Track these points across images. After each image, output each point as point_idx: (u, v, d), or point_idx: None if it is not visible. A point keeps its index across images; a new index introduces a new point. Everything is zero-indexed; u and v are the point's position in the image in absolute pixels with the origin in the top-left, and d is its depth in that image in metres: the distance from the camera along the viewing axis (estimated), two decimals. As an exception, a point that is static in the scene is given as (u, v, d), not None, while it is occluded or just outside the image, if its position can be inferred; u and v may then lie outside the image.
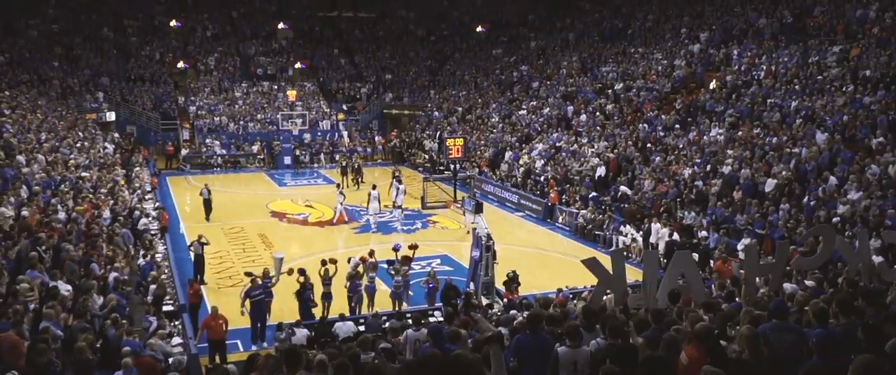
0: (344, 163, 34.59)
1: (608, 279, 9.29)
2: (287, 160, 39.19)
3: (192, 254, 19.81)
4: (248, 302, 15.56)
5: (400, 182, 27.83)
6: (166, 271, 18.76)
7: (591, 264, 9.87)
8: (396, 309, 16.85)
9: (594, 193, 26.54)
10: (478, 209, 17.73)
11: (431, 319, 14.28)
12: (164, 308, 14.98)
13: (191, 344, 13.36)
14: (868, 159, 19.74)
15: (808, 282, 11.06)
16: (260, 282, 15.80)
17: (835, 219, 18.23)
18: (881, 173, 19.01)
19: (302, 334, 13.90)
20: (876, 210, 17.65)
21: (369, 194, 26.75)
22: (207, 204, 27.14)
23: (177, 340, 13.44)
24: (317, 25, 55.84)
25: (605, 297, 10.60)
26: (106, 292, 13.54)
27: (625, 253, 22.00)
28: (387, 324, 14.47)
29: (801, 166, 21.29)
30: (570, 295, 15.09)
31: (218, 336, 14.08)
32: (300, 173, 38.50)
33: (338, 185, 31.79)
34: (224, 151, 40.63)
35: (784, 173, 21.35)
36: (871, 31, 26.77)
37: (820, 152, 21.11)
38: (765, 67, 28.48)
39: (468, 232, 17.78)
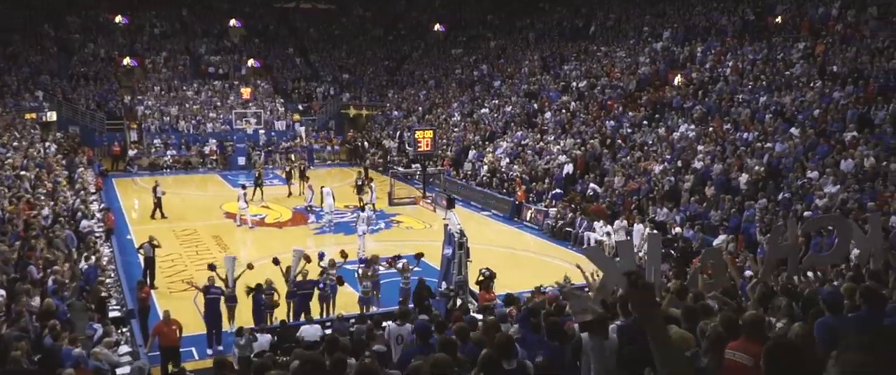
0: (291, 167, 32.64)
1: (615, 269, 8.46)
2: (241, 160, 37.72)
3: (141, 257, 18.50)
4: (201, 297, 14.44)
5: (371, 180, 26.90)
6: (112, 275, 17.48)
7: (594, 254, 9.04)
8: (363, 311, 15.85)
9: (557, 190, 26.01)
10: (450, 204, 16.78)
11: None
12: (111, 313, 13.73)
13: (141, 353, 12.15)
14: (843, 153, 19.48)
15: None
16: (218, 282, 14.71)
17: (810, 213, 17.90)
18: (856, 166, 18.74)
19: (264, 339, 12.80)
20: (854, 203, 17.31)
21: (322, 190, 25.76)
22: (158, 204, 25.79)
23: (125, 349, 12.23)
24: (271, 23, 54.36)
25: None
26: (46, 297, 12.25)
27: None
28: (354, 328, 13.45)
29: (774, 161, 20.98)
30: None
31: (171, 343, 12.91)
32: (252, 174, 36.98)
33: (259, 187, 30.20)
34: (174, 152, 38.95)
35: (757, 168, 21.00)
36: (834, 29, 26.73)
37: (795, 146, 20.80)
38: (730, 64, 28.26)
39: (445, 225, 16.89)
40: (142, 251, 18.50)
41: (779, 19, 29.70)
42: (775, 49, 27.60)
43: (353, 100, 48.02)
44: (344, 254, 16.82)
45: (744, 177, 20.95)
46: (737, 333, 4.90)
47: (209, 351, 14.30)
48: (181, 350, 13.41)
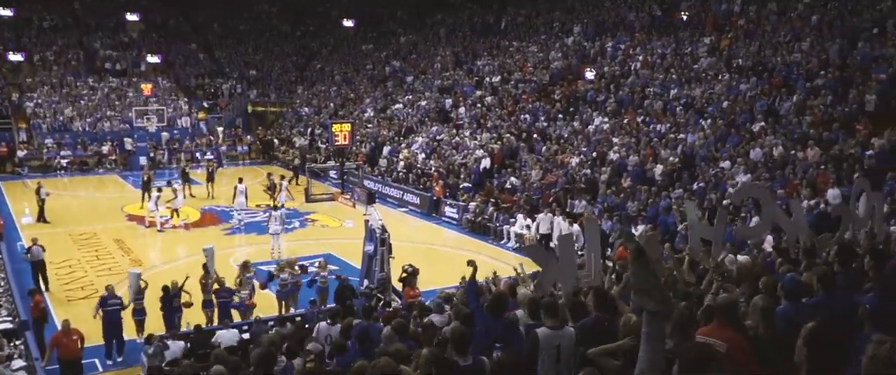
0: (209, 169, 30.34)
1: (555, 266, 8.13)
2: (142, 160, 35.80)
3: (30, 262, 17.10)
4: (100, 311, 13.37)
5: (283, 178, 25.89)
6: (2, 284, 16.05)
7: (534, 251, 8.70)
8: (282, 312, 15.12)
9: (466, 184, 25.87)
10: (370, 199, 16.22)
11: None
12: (1, 325, 12.51)
13: (37, 366, 11.07)
14: (753, 143, 20.02)
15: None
16: (117, 293, 13.67)
17: (726, 202, 18.29)
18: (766, 155, 19.28)
19: (177, 347, 11.90)
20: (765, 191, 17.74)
21: (236, 188, 24.68)
22: (42, 207, 24.34)
23: (19, 363, 11.11)
24: (171, 18, 52.08)
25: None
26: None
27: (519, 245, 21.61)
28: (273, 330, 12.72)
29: (687, 151, 21.40)
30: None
31: (71, 356, 11.88)
32: (159, 173, 35.24)
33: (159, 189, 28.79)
34: (69, 152, 36.63)
35: (671, 159, 21.36)
36: (737, 24, 27.61)
37: (706, 137, 21.27)
38: (640, 58, 28.80)
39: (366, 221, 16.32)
40: (29, 255, 17.10)
41: (685, 15, 30.49)
42: (683, 44, 28.32)
43: (262, 96, 46.65)
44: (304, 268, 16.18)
45: (659, 168, 21.27)
46: (708, 318, 4.62)
47: (109, 362, 13.29)
48: (83, 361, 12.37)
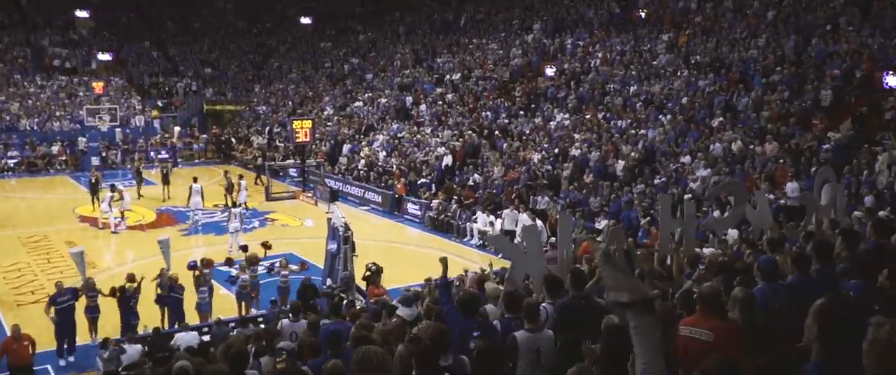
0: (164, 171, 29.14)
1: (523, 258, 8.01)
2: (95, 160, 34.79)
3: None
4: (52, 310, 12.89)
5: (241, 178, 25.33)
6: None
7: (500, 242, 8.56)
8: (242, 313, 14.78)
9: (423, 180, 25.74)
10: (333, 197, 15.94)
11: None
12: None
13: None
14: (712, 137, 20.23)
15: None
16: (66, 288, 13.19)
17: (687, 196, 18.43)
18: (725, 150, 19.49)
19: (134, 350, 11.48)
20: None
21: (191, 188, 24.10)
22: None
23: (-34, 370, 10.61)
24: (123, 15, 50.86)
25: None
26: None
27: (482, 242, 21.51)
28: (234, 332, 12.40)
29: (648, 147, 21.54)
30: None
31: (22, 362, 11.39)
32: (111, 174, 34.31)
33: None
34: (17, 153, 35.46)
35: (632, 154, 21.47)
36: (694, 21, 27.94)
37: (667, 133, 21.44)
38: (600, 55, 28.96)
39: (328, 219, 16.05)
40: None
41: (643, 13, 30.77)
42: (642, 41, 28.57)
43: (218, 95, 45.82)
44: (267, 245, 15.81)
45: (620, 164, 21.37)
46: (690, 308, 4.52)
47: (61, 363, 12.81)
48: (35, 368, 11.87)
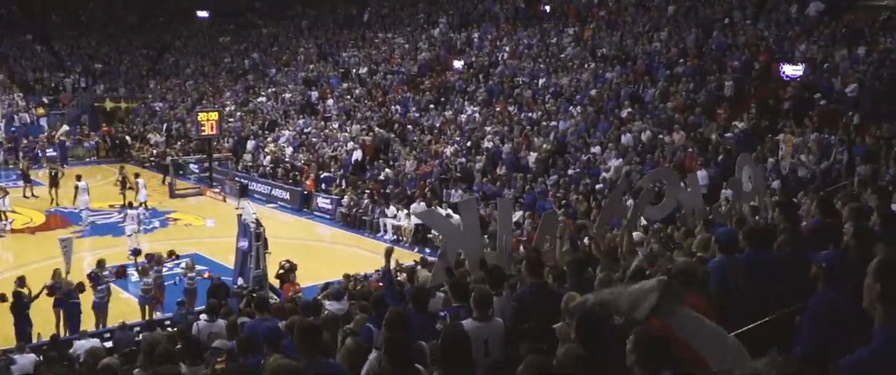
0: (53, 172, 26.60)
1: (457, 234, 7.68)
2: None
3: None
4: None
5: (138, 176, 23.90)
6: None
7: (432, 217, 8.23)
8: (146, 317, 13.87)
9: (327, 174, 25.28)
10: (242, 192, 15.19)
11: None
12: None
13: None
14: (622, 128, 20.57)
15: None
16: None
17: (599, 186, 18.68)
18: (635, 140, 19.85)
19: (26, 361, 10.46)
20: (637, 174, 18.22)
21: (76, 187, 22.57)
22: None
23: None
24: (2, 8, 47.47)
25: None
26: None
27: (396, 237, 21.15)
28: (140, 336, 11.56)
29: (560, 138, 21.71)
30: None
31: None
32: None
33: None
34: None
35: (545, 146, 21.59)
36: (598, 15, 28.46)
37: (577, 124, 21.67)
38: (507, 49, 29.08)
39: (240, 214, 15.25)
40: None
41: (547, 7, 31.12)
42: (548, 34, 28.84)
43: (109, 91, 43.41)
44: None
45: (532, 156, 21.44)
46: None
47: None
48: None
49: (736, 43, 22.04)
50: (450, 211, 17.66)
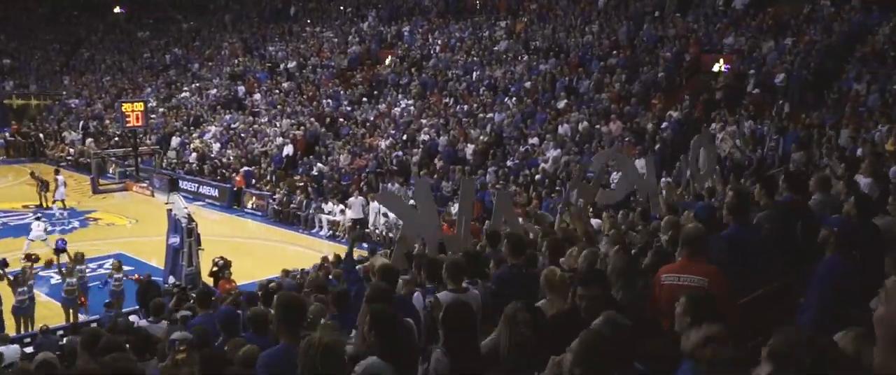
0: None
1: (414, 214, 7.35)
2: None
3: None
4: None
5: (58, 173, 22.53)
6: None
7: (388, 199, 7.87)
8: (70, 320, 12.99)
9: (247, 168, 24.64)
10: (172, 186, 14.45)
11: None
12: None
13: None
14: (559, 119, 20.59)
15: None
16: None
17: (538, 176, 18.61)
18: (572, 130, 19.89)
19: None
20: (575, 164, 18.27)
21: None
22: None
23: None
24: None
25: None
26: None
27: (332, 232, 20.61)
28: (64, 340, 10.77)
29: (497, 130, 21.59)
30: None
31: None
32: None
33: None
34: None
35: (482, 138, 21.43)
36: (530, 8, 28.52)
37: (514, 116, 21.59)
38: (440, 42, 28.84)
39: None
40: None
41: (477, 1, 31.03)
42: (480, 27, 28.72)
43: (20, 88, 41.21)
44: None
45: (470, 148, 21.26)
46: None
47: None
48: None
49: (666, 35, 22.39)
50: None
